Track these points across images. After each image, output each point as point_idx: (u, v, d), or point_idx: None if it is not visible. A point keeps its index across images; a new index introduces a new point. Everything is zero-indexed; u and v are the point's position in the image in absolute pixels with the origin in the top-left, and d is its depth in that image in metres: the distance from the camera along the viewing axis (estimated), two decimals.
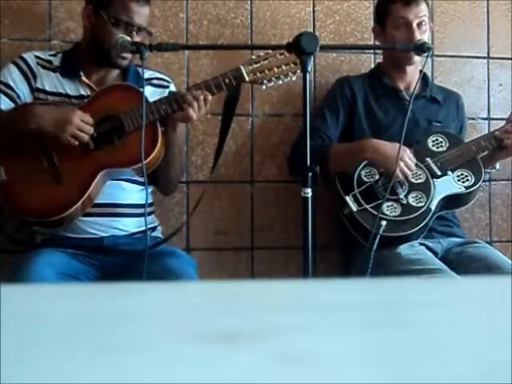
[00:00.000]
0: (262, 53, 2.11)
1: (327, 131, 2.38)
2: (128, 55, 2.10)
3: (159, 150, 2.04)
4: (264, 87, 2.13)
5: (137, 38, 2.07)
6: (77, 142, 1.97)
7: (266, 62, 2.09)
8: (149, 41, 2.12)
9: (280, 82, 2.12)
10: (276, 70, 2.10)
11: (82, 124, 1.97)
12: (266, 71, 2.09)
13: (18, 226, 2.25)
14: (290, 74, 2.10)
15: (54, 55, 2.19)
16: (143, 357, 0.41)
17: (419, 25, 2.34)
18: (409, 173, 2.24)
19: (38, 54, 2.19)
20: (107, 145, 2.02)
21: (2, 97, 2.09)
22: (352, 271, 2.30)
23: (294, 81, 2.15)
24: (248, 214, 2.56)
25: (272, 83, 2.11)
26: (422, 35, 2.31)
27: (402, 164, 2.20)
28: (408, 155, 2.23)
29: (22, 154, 2.01)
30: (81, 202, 2.00)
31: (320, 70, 2.63)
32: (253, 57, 2.12)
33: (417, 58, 2.33)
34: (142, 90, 2.00)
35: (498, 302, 0.58)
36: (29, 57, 2.16)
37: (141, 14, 2.10)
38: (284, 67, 2.09)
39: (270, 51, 2.11)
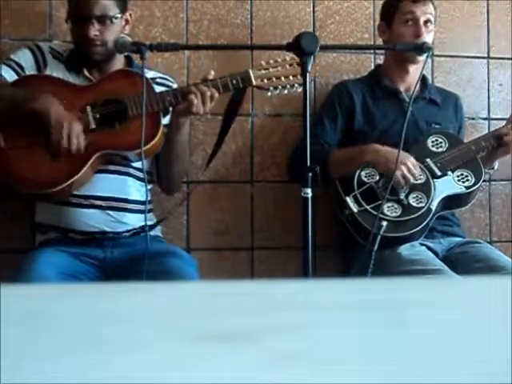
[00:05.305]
0: (271, 60, 2.14)
1: (326, 137, 2.38)
2: (101, 49, 2.10)
3: (158, 140, 2.04)
4: (269, 94, 2.15)
5: (98, 28, 2.07)
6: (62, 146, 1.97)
7: (274, 69, 2.13)
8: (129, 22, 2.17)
9: (285, 91, 2.15)
10: (283, 79, 2.13)
11: (72, 132, 1.96)
12: (274, 79, 2.13)
13: (19, 227, 2.25)
14: (297, 85, 2.12)
15: (65, 51, 2.21)
16: (143, 357, 0.41)
17: (426, 23, 2.36)
18: (410, 178, 2.23)
19: (53, 46, 2.23)
20: (108, 127, 2.03)
21: (12, 73, 2.11)
22: (352, 271, 2.29)
23: None
24: (248, 214, 2.56)
25: (277, 91, 2.15)
26: (428, 34, 2.33)
27: (403, 168, 2.19)
28: (411, 161, 2.23)
29: (24, 127, 2.01)
30: (70, 181, 2.01)
31: (320, 70, 2.63)
32: (262, 62, 2.15)
33: (420, 58, 2.33)
34: (143, 89, 2.00)
35: (498, 302, 0.58)
36: (44, 45, 2.21)
37: (92, 3, 2.07)
38: (291, 78, 2.13)
39: (279, 59, 2.14)
